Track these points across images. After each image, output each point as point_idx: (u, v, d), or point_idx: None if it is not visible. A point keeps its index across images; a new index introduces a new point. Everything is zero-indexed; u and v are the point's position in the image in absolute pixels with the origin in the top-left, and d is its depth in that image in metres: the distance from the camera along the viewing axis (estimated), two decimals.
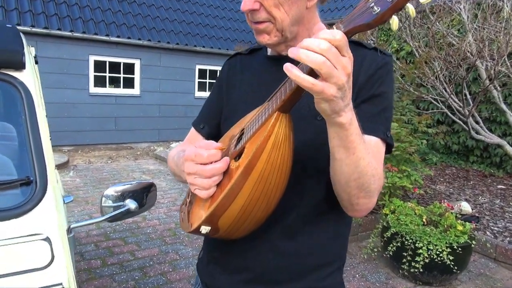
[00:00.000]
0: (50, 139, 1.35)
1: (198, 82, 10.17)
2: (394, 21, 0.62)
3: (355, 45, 0.92)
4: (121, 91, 9.07)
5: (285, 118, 0.76)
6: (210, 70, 10.30)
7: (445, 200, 4.76)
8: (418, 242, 3.13)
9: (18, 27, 7.28)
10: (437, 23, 4.78)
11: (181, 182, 1.10)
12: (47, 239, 0.93)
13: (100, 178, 6.19)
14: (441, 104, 5.09)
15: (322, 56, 0.59)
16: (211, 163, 0.80)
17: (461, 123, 4.86)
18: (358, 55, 0.82)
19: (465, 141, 7.06)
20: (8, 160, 1.05)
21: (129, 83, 9.20)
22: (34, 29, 7.50)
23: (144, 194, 1.14)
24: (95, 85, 8.70)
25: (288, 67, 0.63)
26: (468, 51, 4.39)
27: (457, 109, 4.79)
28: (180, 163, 0.95)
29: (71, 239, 1.00)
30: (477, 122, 5.05)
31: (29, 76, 1.08)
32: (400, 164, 4.02)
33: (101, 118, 8.75)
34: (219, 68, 10.14)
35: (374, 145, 0.85)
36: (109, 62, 8.79)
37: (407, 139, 4.06)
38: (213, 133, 1.09)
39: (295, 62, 0.68)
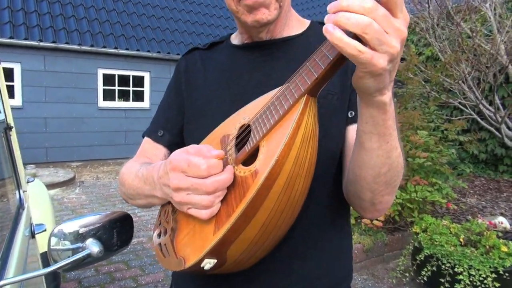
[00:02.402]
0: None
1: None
2: None
3: None
4: (130, 104, 8.87)
5: (314, 103, 0.59)
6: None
7: (479, 215, 4.33)
8: (457, 266, 2.73)
9: (26, 42, 7.19)
10: (462, 24, 4.43)
11: (143, 207, 0.83)
12: None
13: (107, 195, 5.92)
14: (469, 109, 4.69)
15: (366, 17, 0.46)
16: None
17: (493, 129, 4.45)
18: None
19: (494, 149, 6.59)
20: None
21: (138, 96, 9.00)
22: (42, 44, 7.38)
23: (114, 231, 0.81)
24: (104, 98, 8.52)
25: (328, 28, 0.48)
26: (497, 53, 4.02)
27: (488, 115, 4.38)
28: (151, 180, 0.72)
29: None
30: (509, 129, 4.64)
31: None
32: (429, 177, 3.63)
33: (110, 132, 8.54)
34: None
35: None
36: (118, 75, 8.62)
37: (436, 148, 3.68)
38: (175, 141, 0.93)
39: (273, 49, 0.73)
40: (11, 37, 7.10)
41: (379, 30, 0.46)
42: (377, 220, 3.42)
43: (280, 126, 0.59)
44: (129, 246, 3.94)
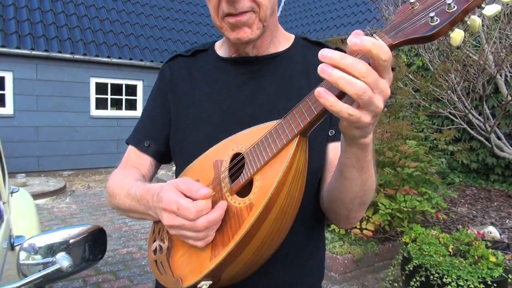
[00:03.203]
0: None
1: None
2: (458, 35, 0.52)
3: (317, 46, 0.88)
4: (123, 113, 8.84)
5: (305, 143, 0.65)
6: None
7: (469, 224, 4.34)
8: (445, 276, 2.73)
9: (18, 50, 7.17)
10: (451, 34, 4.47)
11: (139, 219, 0.85)
12: None
13: (98, 204, 5.87)
14: (459, 119, 4.73)
15: (363, 82, 0.50)
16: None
17: (483, 139, 4.48)
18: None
19: (485, 159, 6.63)
20: None
21: (131, 105, 8.99)
22: (34, 52, 7.36)
23: (85, 244, 0.80)
24: (97, 107, 8.49)
25: (322, 93, 0.53)
26: (486, 63, 4.06)
27: (477, 125, 4.42)
28: (145, 202, 0.75)
29: None
30: (499, 138, 4.67)
31: None
32: (419, 186, 3.64)
33: (102, 141, 8.50)
34: None
35: None
36: (111, 84, 8.61)
37: (426, 158, 3.70)
38: (161, 150, 0.94)
39: (264, 64, 0.79)
40: (3, 46, 7.08)
41: (371, 95, 0.51)
42: (367, 229, 3.42)
43: (274, 162, 0.64)
44: (118, 256, 3.91)
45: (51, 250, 0.77)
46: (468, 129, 4.65)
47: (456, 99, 4.43)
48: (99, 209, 5.66)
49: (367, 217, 3.53)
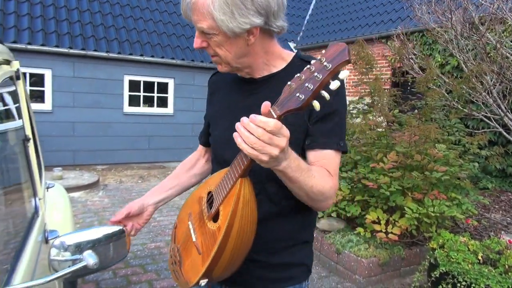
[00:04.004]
0: None
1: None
2: (316, 105, 0.78)
3: (305, 62, 1.04)
4: (154, 110, 9.07)
5: (247, 180, 0.93)
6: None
7: (503, 232, 4.18)
8: (473, 285, 2.66)
9: (57, 49, 7.49)
10: (487, 34, 4.32)
11: None
12: None
13: (129, 199, 6.06)
14: (494, 122, 4.56)
15: (256, 138, 0.79)
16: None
17: None
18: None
19: None
20: None
21: (162, 102, 9.20)
22: (71, 51, 7.67)
23: (110, 244, 0.86)
24: (130, 104, 8.75)
25: (236, 136, 0.82)
26: None
27: None
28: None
29: None
30: None
31: None
32: (449, 191, 3.55)
33: (134, 137, 8.75)
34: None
35: (329, 156, 1.05)
36: (144, 81, 8.84)
37: (456, 162, 3.60)
38: (208, 141, 1.32)
39: (261, 84, 1.09)
40: (43, 44, 7.41)
41: (262, 146, 0.79)
42: (392, 233, 3.37)
43: (228, 198, 0.94)
44: (147, 251, 4.03)
45: (79, 248, 0.83)
46: (504, 132, 4.48)
47: (492, 102, 4.27)
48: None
49: (393, 221, 3.48)
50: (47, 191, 2.20)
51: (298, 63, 1.08)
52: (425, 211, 3.28)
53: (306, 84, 0.77)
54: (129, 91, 8.69)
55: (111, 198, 6.07)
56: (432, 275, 2.92)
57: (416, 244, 3.84)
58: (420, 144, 3.38)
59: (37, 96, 7.82)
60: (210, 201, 1.01)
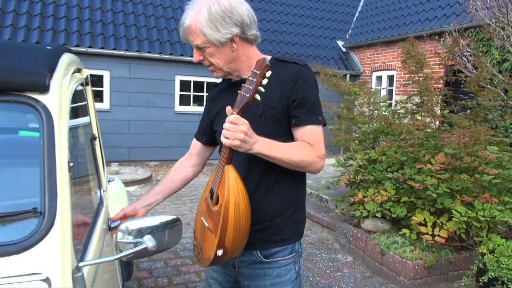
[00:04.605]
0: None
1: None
2: (257, 97, 1.20)
3: (281, 61, 1.42)
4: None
5: (231, 166, 1.27)
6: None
7: None
8: None
9: (114, 51, 7.98)
10: None
11: None
12: (46, 280, 0.83)
13: (178, 194, 6.35)
14: None
15: (226, 130, 1.19)
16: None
17: None
18: (283, 70, 1.38)
19: None
20: (19, 189, 0.98)
21: None
22: (127, 53, 8.13)
23: (165, 231, 1.00)
24: (180, 103, 9.11)
25: (222, 138, 1.22)
26: None
27: None
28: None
29: (79, 278, 0.89)
30: None
31: (53, 100, 1.01)
32: (502, 195, 3.41)
33: (185, 135, 9.09)
34: None
35: (309, 131, 1.36)
36: (194, 81, 9.17)
37: (511, 165, 3.45)
38: (210, 141, 1.64)
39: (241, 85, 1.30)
40: (102, 48, 7.93)
41: (230, 133, 1.17)
42: (439, 236, 3.31)
43: (221, 183, 1.26)
44: None
45: (140, 232, 0.97)
46: None
47: None
48: (180, 198, 6.14)
49: (440, 224, 3.42)
50: (108, 184, 2.43)
51: (274, 63, 1.38)
52: (475, 214, 3.19)
53: (248, 87, 1.19)
54: (180, 90, 9.05)
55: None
56: (480, 280, 2.85)
57: (465, 248, 3.73)
58: (470, 146, 3.28)
59: (97, 96, 8.37)
60: (212, 196, 1.31)
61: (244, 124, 1.17)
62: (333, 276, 3.70)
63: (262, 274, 1.44)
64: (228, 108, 1.20)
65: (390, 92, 10.10)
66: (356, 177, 4.13)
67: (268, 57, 1.42)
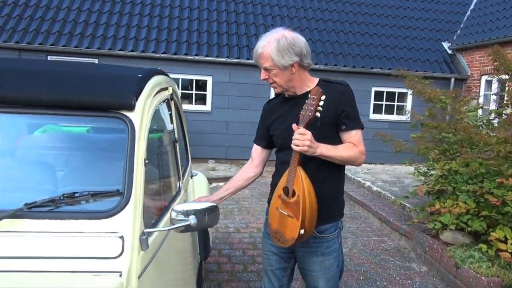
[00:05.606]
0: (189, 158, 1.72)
1: (374, 104, 10.00)
2: (317, 114, 1.65)
3: (328, 83, 1.87)
4: None
5: (300, 167, 1.71)
6: (387, 92, 9.98)
7: None
8: None
9: (217, 59, 8.80)
10: None
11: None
12: (121, 237, 1.25)
13: (266, 192, 6.78)
14: None
15: (296, 140, 1.64)
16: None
17: None
18: (330, 89, 1.78)
19: None
20: (109, 176, 1.44)
21: None
22: (228, 60, 8.90)
23: (205, 214, 1.36)
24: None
25: (293, 146, 1.68)
26: None
27: None
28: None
29: (144, 239, 1.30)
30: None
31: (137, 115, 1.45)
32: None
33: None
34: (396, 89, 9.75)
35: (353, 134, 1.83)
36: None
37: None
38: (268, 144, 2.05)
39: (296, 100, 1.84)
40: (207, 55, 8.81)
41: (299, 142, 1.63)
42: None
43: (296, 180, 1.70)
44: None
45: (187, 213, 1.35)
46: None
47: None
48: (266, 196, 6.57)
49: None
50: (191, 178, 2.93)
51: (322, 83, 1.85)
52: None
53: (309, 107, 1.64)
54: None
55: (251, 190, 6.91)
56: None
57: None
58: None
59: (200, 99, 9.31)
60: (286, 192, 1.75)
61: (308, 134, 1.62)
62: (402, 283, 3.74)
63: (315, 246, 1.91)
64: (294, 125, 1.66)
65: (502, 98, 9.22)
66: (434, 187, 4.07)
67: (317, 79, 1.92)
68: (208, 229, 3.09)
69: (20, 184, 1.49)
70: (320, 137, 1.70)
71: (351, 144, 1.80)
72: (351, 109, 1.82)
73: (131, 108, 1.45)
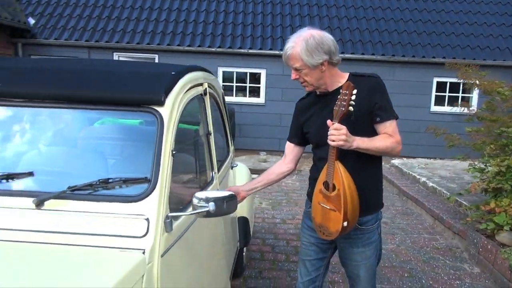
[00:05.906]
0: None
1: (436, 96, 9.51)
2: (350, 108, 1.67)
3: (359, 76, 1.89)
4: None
5: (339, 161, 1.74)
6: (450, 83, 9.42)
7: None
8: None
9: (270, 51, 8.87)
10: None
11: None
12: (147, 220, 1.40)
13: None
14: None
15: (334, 135, 1.66)
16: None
17: None
18: (361, 82, 1.79)
19: None
20: (140, 165, 1.59)
21: None
22: (281, 52, 8.90)
23: (224, 201, 1.47)
24: None
25: (329, 141, 1.71)
26: None
27: None
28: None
29: (168, 223, 1.43)
30: None
31: (166, 110, 1.59)
32: None
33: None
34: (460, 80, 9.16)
35: (388, 125, 1.83)
36: None
37: None
38: (301, 142, 2.12)
39: (328, 97, 1.88)
40: (260, 49, 8.92)
41: (336, 137, 1.66)
42: None
43: (335, 174, 1.74)
44: None
45: (207, 199, 1.46)
46: None
47: None
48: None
49: None
50: (232, 169, 3.06)
51: (352, 77, 1.88)
52: None
53: (342, 102, 1.67)
54: None
55: (301, 183, 6.95)
56: None
57: None
58: None
59: (254, 92, 9.47)
60: (327, 186, 1.80)
61: (344, 129, 1.65)
62: (449, 284, 3.60)
63: (356, 237, 1.96)
64: (329, 121, 1.69)
65: None
66: (490, 185, 3.84)
67: (347, 74, 1.93)
68: (249, 218, 3.22)
69: (68, 170, 1.70)
70: (355, 130, 1.71)
71: (386, 135, 1.81)
72: (383, 101, 1.83)
73: (161, 103, 1.58)
